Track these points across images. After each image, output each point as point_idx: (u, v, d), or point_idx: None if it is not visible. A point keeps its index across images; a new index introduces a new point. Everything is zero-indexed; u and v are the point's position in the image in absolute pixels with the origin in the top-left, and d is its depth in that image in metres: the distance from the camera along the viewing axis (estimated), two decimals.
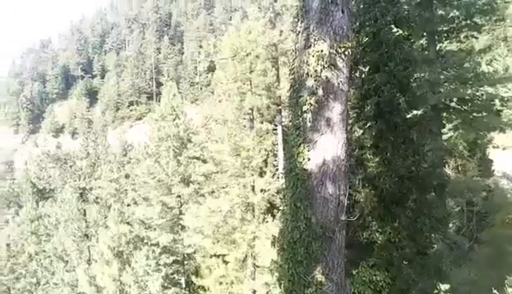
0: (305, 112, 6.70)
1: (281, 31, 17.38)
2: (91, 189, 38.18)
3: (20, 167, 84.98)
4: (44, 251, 33.53)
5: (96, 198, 38.50)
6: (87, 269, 16.51)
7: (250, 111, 16.59)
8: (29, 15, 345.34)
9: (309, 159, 6.77)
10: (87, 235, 29.17)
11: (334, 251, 7.02)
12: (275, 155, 18.39)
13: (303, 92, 6.75)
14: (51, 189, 68.08)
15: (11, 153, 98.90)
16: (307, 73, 6.68)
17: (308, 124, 6.72)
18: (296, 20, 7.22)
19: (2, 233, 45.19)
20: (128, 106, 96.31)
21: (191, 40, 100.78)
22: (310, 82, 6.66)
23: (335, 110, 6.72)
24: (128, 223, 24.88)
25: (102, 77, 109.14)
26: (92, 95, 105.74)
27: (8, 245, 36.29)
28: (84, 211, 30.88)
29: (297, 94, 6.90)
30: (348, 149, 7.37)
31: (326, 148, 6.72)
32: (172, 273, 24.23)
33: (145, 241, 23.83)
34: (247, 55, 15.60)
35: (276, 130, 18.10)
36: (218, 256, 18.00)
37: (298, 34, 7.02)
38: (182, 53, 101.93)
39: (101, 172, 47.51)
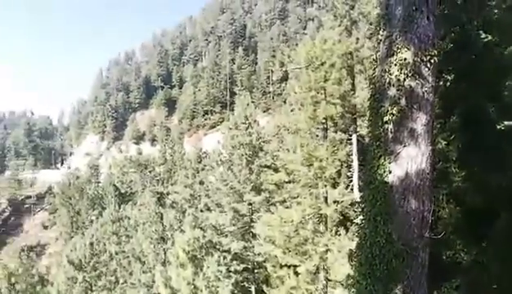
0: (386, 122, 6.43)
1: (358, 39, 16.99)
2: (167, 193, 39.96)
3: (104, 171, 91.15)
4: (123, 251, 35.45)
5: (172, 202, 40.13)
6: (163, 271, 17.18)
7: (324, 120, 16.32)
8: (115, 29, 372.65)
9: (390, 172, 6.47)
10: (163, 238, 30.44)
11: (417, 269, 6.63)
12: (349, 166, 17.92)
13: (385, 102, 6.48)
14: (131, 193, 72.24)
15: (97, 158, 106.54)
16: (389, 83, 6.42)
17: (390, 135, 6.43)
18: (377, 27, 6.99)
19: (87, 233, 48.39)
20: (203, 115, 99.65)
21: (265, 50, 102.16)
22: (392, 92, 6.39)
23: (420, 121, 6.37)
24: (201, 228, 25.61)
25: (180, 88, 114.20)
26: (171, 105, 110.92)
27: (92, 244, 38.69)
28: (161, 214, 32.27)
29: (378, 104, 6.65)
30: (433, 161, 6.94)
31: (410, 160, 6.38)
32: (242, 281, 24.43)
33: (217, 247, 24.33)
34: (322, 64, 15.43)
35: (350, 140, 17.65)
36: (289, 267, 17.81)
37: (379, 42, 6.78)
38: (256, 63, 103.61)
39: (177, 178, 49.64)
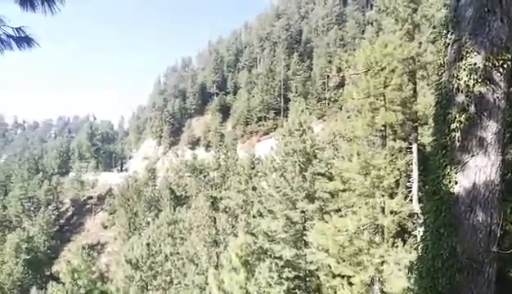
0: (453, 130, 6.11)
1: (420, 43, 16.35)
2: (221, 198, 40.56)
3: (161, 174, 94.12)
4: (178, 253, 36.36)
5: (225, 207, 40.72)
6: (216, 274, 17.41)
7: (383, 128, 15.85)
8: (173, 38, 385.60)
9: (456, 182, 6.14)
10: (216, 241, 30.93)
11: (482, 285, 6.24)
12: (408, 176, 17.26)
13: (452, 109, 6.17)
14: (186, 196, 74.09)
15: (154, 162, 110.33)
16: (458, 88, 6.10)
17: (457, 144, 6.11)
18: (443, 30, 6.69)
19: (144, 234, 50.09)
20: (257, 121, 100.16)
21: (321, 56, 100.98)
22: (460, 98, 6.07)
23: (490, 129, 6.00)
24: (252, 234, 25.71)
25: (235, 94, 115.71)
26: (225, 111, 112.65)
27: (148, 244, 39.95)
28: (214, 218, 32.85)
29: (444, 110, 6.34)
30: (502, 173, 6.52)
31: (478, 171, 6.02)
32: (293, 288, 24.21)
33: (269, 253, 24.31)
34: (382, 69, 15.01)
35: (410, 148, 17.00)
36: (343, 277, 17.42)
37: (446, 46, 6.47)
38: (311, 69, 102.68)
39: (231, 183, 50.27)
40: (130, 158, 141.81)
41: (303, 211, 24.18)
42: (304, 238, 23.82)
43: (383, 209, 16.28)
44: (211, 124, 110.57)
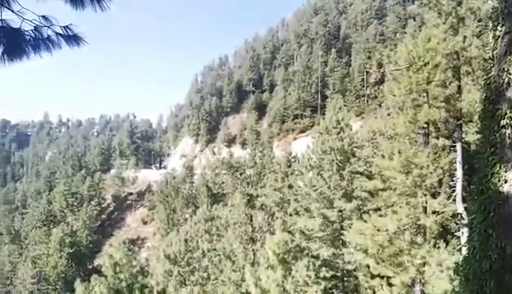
0: (503, 127, 5.84)
1: (465, 37, 15.70)
2: (257, 196, 40.81)
3: (198, 172, 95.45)
4: (215, 249, 36.76)
5: (262, 204, 40.86)
6: (253, 272, 17.49)
7: (425, 125, 15.36)
8: (210, 35, 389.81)
9: (506, 181, 5.87)
10: (252, 239, 31.05)
11: None
12: (451, 175, 16.65)
13: (502, 105, 5.90)
14: (223, 194, 74.77)
15: (191, 160, 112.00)
16: (508, 83, 5.83)
17: (507, 141, 5.84)
18: (493, 23, 6.39)
19: (182, 230, 50.97)
20: (293, 119, 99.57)
21: (360, 52, 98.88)
22: (511, 93, 5.80)
23: None
24: (289, 232, 25.62)
25: (271, 92, 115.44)
26: (261, 109, 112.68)
27: (186, 240, 40.59)
28: (251, 216, 32.95)
29: (493, 106, 6.07)
30: None
31: None
32: (330, 288, 23.96)
33: (306, 252, 24.14)
34: (425, 64, 14.53)
35: (454, 146, 16.38)
36: (382, 278, 17.06)
37: (496, 39, 6.19)
38: (349, 65, 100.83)
39: (267, 181, 50.38)
40: (168, 155, 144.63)
41: (340, 210, 23.86)
42: (342, 237, 23.48)
43: (425, 209, 15.81)
44: (247, 122, 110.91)
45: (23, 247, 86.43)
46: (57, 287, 66.37)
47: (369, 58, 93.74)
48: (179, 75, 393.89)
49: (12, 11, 4.58)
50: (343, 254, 23.39)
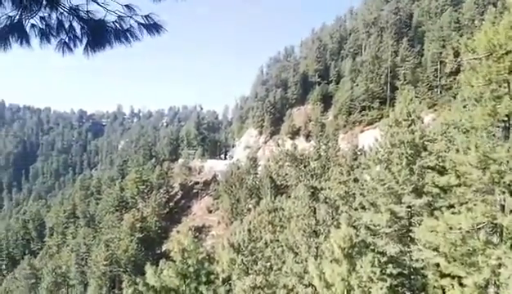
0: None
1: None
2: (321, 189, 40.36)
3: (262, 163, 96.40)
4: (278, 240, 37.00)
5: (326, 198, 40.35)
6: (318, 265, 17.37)
7: (506, 118, 14.22)
8: (277, 26, 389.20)
9: None
10: (315, 232, 30.78)
11: None
12: None
13: None
14: (286, 186, 74.98)
15: (255, 151, 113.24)
16: None
17: None
18: None
19: (245, 219, 51.89)
20: (360, 111, 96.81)
21: (433, 40, 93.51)
22: None
23: None
24: (353, 226, 25.07)
25: (337, 83, 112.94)
26: (327, 101, 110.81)
27: (249, 230, 41.21)
28: (314, 209, 32.65)
29: None
30: None
31: None
32: (396, 286, 23.22)
33: (371, 247, 23.53)
34: (506, 53, 13.41)
35: None
36: (453, 277, 16.19)
37: None
38: (422, 55, 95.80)
39: (331, 174, 49.67)
40: (233, 146, 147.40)
41: (409, 206, 22.96)
42: (410, 234, 22.62)
43: (502, 207, 14.75)
44: (312, 114, 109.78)
45: (97, 230, 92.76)
46: (127, 269, 70.07)
47: (443, 47, 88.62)
48: (245, 68, 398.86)
49: (97, 3, 4.81)
50: (410, 251, 22.58)
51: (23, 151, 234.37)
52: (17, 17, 4.81)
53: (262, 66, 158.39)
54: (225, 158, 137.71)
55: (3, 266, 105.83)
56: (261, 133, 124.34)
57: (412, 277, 23.82)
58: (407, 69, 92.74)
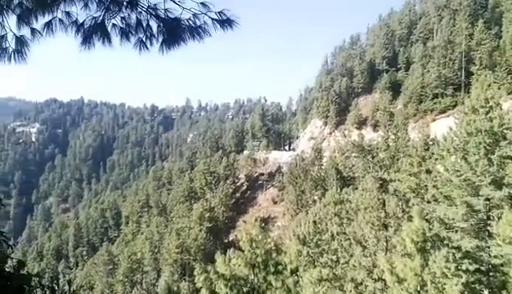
0: None
1: None
2: (390, 180, 38.94)
3: (327, 154, 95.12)
4: (344, 233, 36.33)
5: (395, 190, 38.94)
6: (389, 259, 16.90)
7: None
8: (342, 14, 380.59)
9: None
10: (385, 225, 29.87)
11: None
12: None
13: None
14: (352, 177, 73.47)
15: (320, 142, 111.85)
16: None
17: None
18: None
19: (311, 211, 51.51)
20: (432, 99, 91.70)
21: None
22: None
23: None
24: (426, 220, 24.02)
25: (407, 70, 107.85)
26: (395, 89, 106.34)
27: (315, 222, 40.86)
28: (383, 201, 31.63)
29: None
30: None
31: None
32: (473, 282, 21.99)
33: (446, 242, 22.45)
34: None
35: None
36: None
37: None
38: (500, 37, 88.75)
39: (401, 165, 47.81)
40: (297, 137, 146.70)
41: (487, 199, 21.57)
42: (488, 228, 21.29)
43: None
44: (379, 103, 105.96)
45: (168, 219, 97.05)
46: (197, 257, 72.60)
47: None
48: (309, 58, 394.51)
49: (174, 1, 4.97)
50: (488, 247, 21.27)
51: (100, 144, 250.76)
52: (100, 18, 5.12)
53: (327, 55, 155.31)
54: (289, 150, 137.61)
55: (84, 252, 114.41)
56: (326, 124, 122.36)
57: (491, 274, 22.43)
58: (484, 52, 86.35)
